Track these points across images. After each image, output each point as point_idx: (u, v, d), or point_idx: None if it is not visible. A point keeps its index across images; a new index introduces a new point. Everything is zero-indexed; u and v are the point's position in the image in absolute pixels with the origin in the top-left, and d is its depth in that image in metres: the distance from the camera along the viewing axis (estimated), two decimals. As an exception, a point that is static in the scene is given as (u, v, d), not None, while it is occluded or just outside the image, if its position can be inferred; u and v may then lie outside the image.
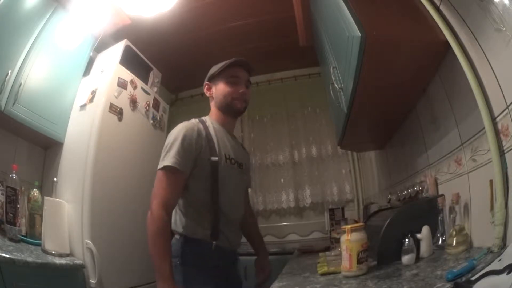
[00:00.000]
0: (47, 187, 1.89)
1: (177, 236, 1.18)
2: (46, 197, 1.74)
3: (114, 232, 1.87)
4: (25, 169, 1.80)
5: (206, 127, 1.22)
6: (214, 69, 1.32)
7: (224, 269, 1.21)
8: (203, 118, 1.29)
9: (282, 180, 3.03)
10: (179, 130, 1.17)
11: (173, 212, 1.17)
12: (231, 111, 1.30)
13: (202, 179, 1.17)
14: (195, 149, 1.15)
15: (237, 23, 2.52)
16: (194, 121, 1.23)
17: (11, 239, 1.46)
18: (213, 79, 1.32)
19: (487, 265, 0.67)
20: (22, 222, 1.60)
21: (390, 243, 1.04)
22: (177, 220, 1.19)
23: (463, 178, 1.01)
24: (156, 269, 1.03)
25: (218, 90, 1.29)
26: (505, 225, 0.76)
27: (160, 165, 1.12)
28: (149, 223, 1.06)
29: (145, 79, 2.40)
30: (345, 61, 1.10)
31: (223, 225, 1.18)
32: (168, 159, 1.11)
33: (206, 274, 1.14)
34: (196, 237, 1.16)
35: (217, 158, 1.18)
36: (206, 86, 1.35)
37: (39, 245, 1.57)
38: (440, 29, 0.95)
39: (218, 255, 1.16)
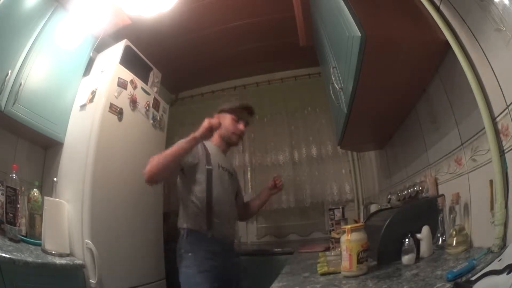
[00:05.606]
0: (47, 187, 1.88)
1: (181, 232, 1.50)
2: (46, 197, 1.73)
3: (114, 232, 1.87)
4: (25, 169, 1.80)
5: (203, 144, 1.57)
6: (225, 106, 1.70)
7: (221, 257, 1.46)
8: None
9: (282, 180, 3.02)
10: None
11: (179, 211, 1.54)
12: (228, 142, 1.69)
13: (201, 183, 1.50)
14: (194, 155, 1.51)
15: (237, 23, 2.52)
16: None
17: (11, 239, 1.46)
18: (222, 113, 1.69)
19: (487, 265, 0.67)
20: (22, 222, 1.59)
21: (390, 243, 1.04)
22: (181, 217, 1.53)
23: (463, 178, 1.01)
24: (180, 148, 1.38)
25: (224, 124, 1.63)
26: (505, 225, 0.76)
27: None
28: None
29: (145, 79, 2.40)
30: (345, 61, 1.10)
31: (216, 219, 1.49)
32: None
33: (206, 258, 1.42)
34: (195, 228, 1.48)
35: (211, 166, 1.54)
36: (216, 117, 1.64)
37: (39, 245, 1.57)
38: (440, 29, 0.95)
39: (214, 242, 1.46)
